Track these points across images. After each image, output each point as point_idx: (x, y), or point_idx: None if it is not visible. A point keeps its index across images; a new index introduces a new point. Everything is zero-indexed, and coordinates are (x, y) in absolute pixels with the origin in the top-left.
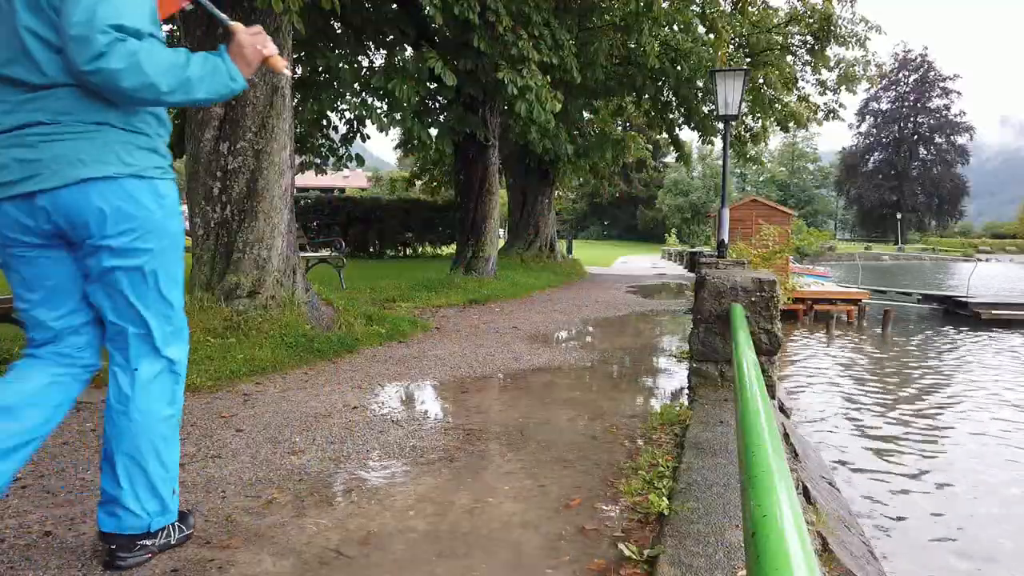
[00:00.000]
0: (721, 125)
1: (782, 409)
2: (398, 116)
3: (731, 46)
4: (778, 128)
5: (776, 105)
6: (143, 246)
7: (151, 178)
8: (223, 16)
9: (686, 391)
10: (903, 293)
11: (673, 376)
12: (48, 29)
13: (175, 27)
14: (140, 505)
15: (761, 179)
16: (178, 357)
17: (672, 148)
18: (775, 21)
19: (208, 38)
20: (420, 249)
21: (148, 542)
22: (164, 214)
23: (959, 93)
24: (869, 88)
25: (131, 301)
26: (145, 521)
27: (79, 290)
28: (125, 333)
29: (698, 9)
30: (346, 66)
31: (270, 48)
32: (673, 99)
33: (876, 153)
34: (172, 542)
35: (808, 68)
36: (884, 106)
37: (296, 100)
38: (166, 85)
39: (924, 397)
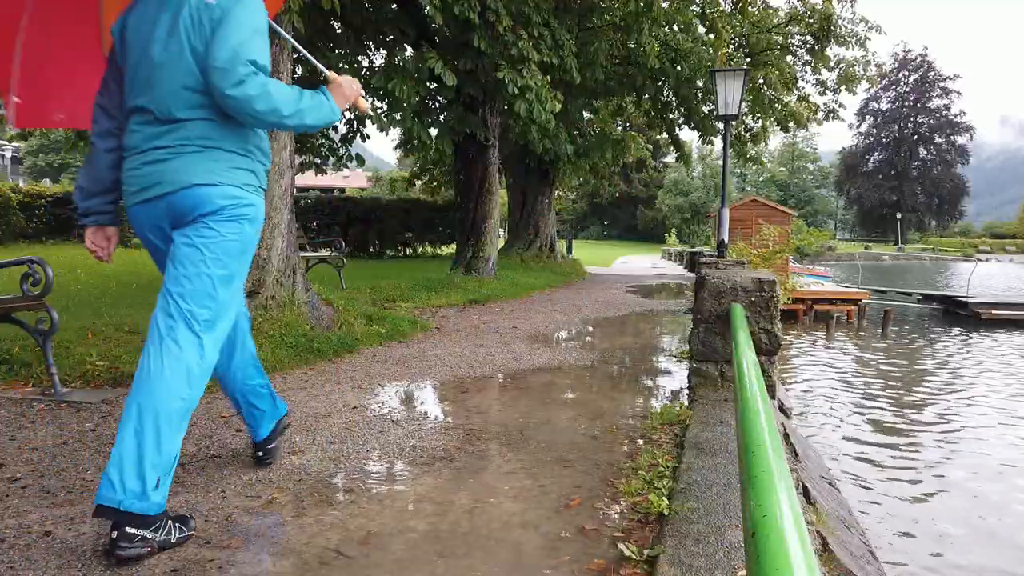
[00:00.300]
0: (721, 125)
1: (782, 409)
2: (398, 116)
3: (731, 46)
4: (778, 128)
5: (776, 105)
6: (215, 227)
7: (244, 189)
8: (323, 67)
9: (686, 391)
10: (903, 293)
11: (673, 376)
12: (197, 72)
13: None
14: (119, 477)
15: (761, 179)
16: (208, 346)
17: (672, 148)
18: (775, 21)
19: None
20: (420, 249)
21: (145, 533)
22: (246, 219)
23: (959, 93)
24: (869, 88)
25: (186, 273)
26: (116, 497)
27: None
28: (170, 301)
29: (698, 9)
30: (346, 66)
31: (360, 91)
32: (673, 99)
33: (876, 153)
34: (172, 540)
35: (808, 68)
36: (884, 106)
37: None
38: (286, 110)
39: (924, 397)
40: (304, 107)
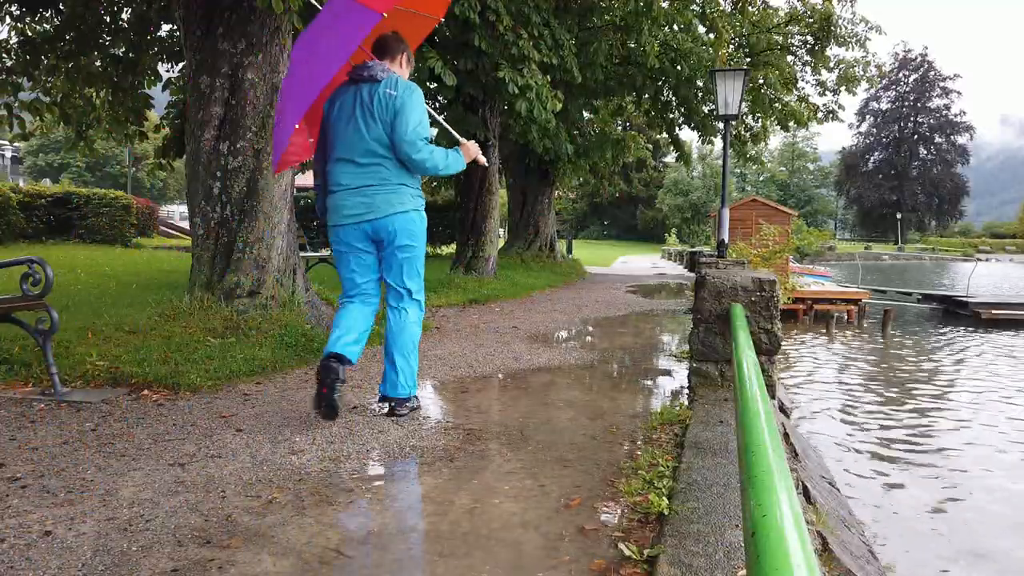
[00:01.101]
0: (721, 125)
1: (782, 409)
2: None
3: (731, 46)
4: (778, 128)
5: (776, 105)
6: (413, 244)
7: (419, 212)
8: (456, 135)
9: (686, 391)
10: (903, 293)
11: (673, 376)
12: (383, 137)
13: (175, 27)
14: (405, 381)
15: (761, 179)
16: (421, 303)
17: (672, 148)
18: (775, 21)
19: (207, 38)
20: None
21: (409, 404)
22: (422, 232)
23: (959, 93)
24: (869, 88)
25: (402, 273)
26: (406, 391)
27: (376, 268)
28: (399, 289)
29: (698, 9)
30: None
31: (478, 150)
32: (673, 99)
33: (876, 153)
34: (416, 407)
35: (808, 68)
36: (884, 106)
37: None
38: (440, 165)
39: (924, 397)
40: (449, 162)
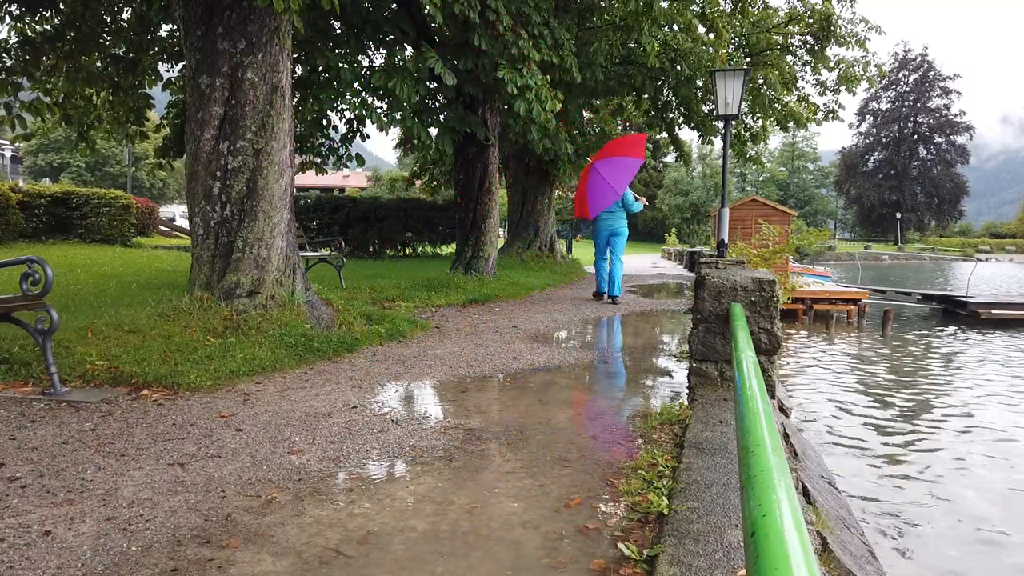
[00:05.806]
0: (721, 125)
1: (782, 409)
2: (398, 116)
3: (731, 46)
4: (778, 128)
5: (776, 105)
6: (620, 240)
7: (625, 228)
8: (634, 194)
9: (686, 391)
10: (903, 293)
11: (673, 376)
12: (620, 204)
13: (175, 27)
14: (617, 289)
15: (761, 179)
16: (623, 262)
17: (672, 148)
18: (775, 21)
19: (207, 38)
20: (420, 249)
21: (619, 299)
22: (625, 235)
23: (959, 93)
24: (869, 88)
25: (617, 247)
26: (617, 292)
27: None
28: (616, 254)
29: (698, 9)
30: (346, 66)
31: (646, 200)
32: (673, 99)
33: (876, 153)
34: (620, 296)
35: (808, 68)
36: (884, 106)
37: (296, 100)
38: (637, 208)
39: (924, 397)
40: (641, 208)
